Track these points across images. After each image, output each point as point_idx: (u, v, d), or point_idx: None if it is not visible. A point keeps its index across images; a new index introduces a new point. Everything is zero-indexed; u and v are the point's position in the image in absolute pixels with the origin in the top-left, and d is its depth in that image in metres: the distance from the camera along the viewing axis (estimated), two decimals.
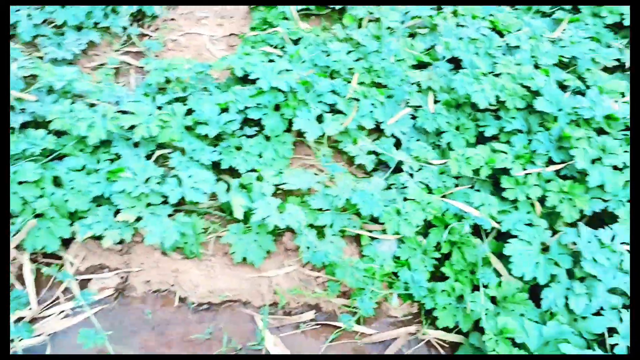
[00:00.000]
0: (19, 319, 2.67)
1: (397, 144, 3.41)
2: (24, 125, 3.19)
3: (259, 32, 4.02)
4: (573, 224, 2.89)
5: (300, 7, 4.14)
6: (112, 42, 4.35)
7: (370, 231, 2.97)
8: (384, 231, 2.92)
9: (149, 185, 2.88)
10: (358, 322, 2.76)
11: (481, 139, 3.36)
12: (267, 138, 3.30)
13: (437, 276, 2.88)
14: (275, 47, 3.88)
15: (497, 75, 3.51)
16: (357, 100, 3.42)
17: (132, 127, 3.10)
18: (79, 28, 4.23)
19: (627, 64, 3.81)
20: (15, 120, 3.13)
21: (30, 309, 2.72)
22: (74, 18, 4.12)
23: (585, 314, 2.50)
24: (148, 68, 3.63)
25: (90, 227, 2.82)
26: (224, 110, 3.29)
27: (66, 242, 2.95)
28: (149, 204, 2.89)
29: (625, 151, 2.99)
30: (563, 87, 3.54)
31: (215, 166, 3.20)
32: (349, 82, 3.52)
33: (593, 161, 2.95)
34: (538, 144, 3.10)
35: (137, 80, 4.07)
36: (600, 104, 3.14)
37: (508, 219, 2.89)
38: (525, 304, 2.63)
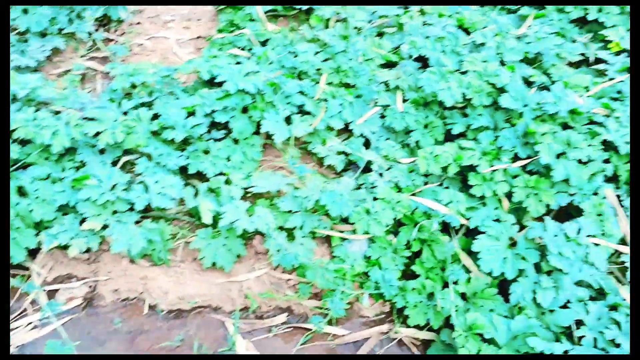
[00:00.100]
0: None
1: (367, 144, 3.41)
2: None
3: (226, 35, 3.99)
4: (540, 219, 2.92)
5: (267, 8, 4.13)
6: (78, 48, 4.28)
7: (341, 232, 2.97)
8: (354, 231, 2.92)
9: (115, 193, 2.84)
10: (330, 323, 2.75)
11: (449, 137, 3.38)
12: (235, 141, 3.27)
13: (408, 274, 2.89)
14: (243, 49, 3.86)
15: (463, 72, 3.54)
16: (326, 100, 3.41)
17: (97, 134, 3.05)
18: (43, 34, 4.15)
19: (592, 59, 3.86)
20: None
21: None
22: (37, 24, 4.05)
23: (553, 307, 2.52)
24: (114, 73, 3.57)
25: (56, 237, 2.78)
26: (191, 114, 3.26)
27: (32, 253, 2.90)
28: (115, 212, 2.85)
29: (590, 145, 3.03)
30: (529, 83, 3.57)
31: (183, 171, 3.17)
32: (317, 82, 3.51)
33: (558, 156, 2.99)
34: (504, 140, 3.13)
35: (104, 86, 4.01)
36: (564, 98, 3.18)
37: (476, 215, 2.91)
38: (494, 300, 2.65)
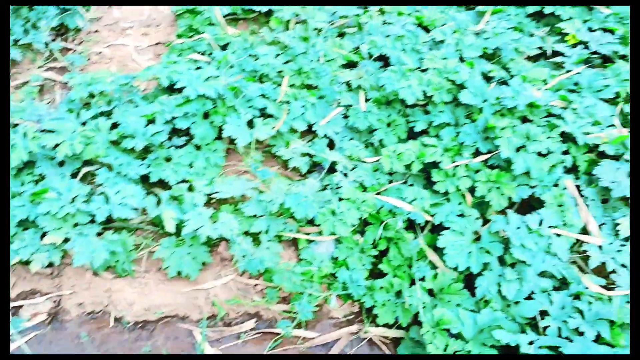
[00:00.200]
0: None
1: (331, 144, 3.41)
2: None
3: (185, 40, 3.95)
4: (503, 212, 2.95)
5: (226, 11, 4.09)
6: (35, 59, 4.19)
7: (307, 234, 2.96)
8: (320, 233, 2.91)
9: (75, 205, 2.79)
10: (300, 326, 2.74)
11: (412, 134, 3.39)
12: (198, 147, 3.24)
13: (375, 273, 2.89)
14: (203, 54, 3.83)
15: (424, 70, 3.56)
16: (288, 102, 3.40)
17: (56, 146, 2.98)
18: None
19: (549, 52, 3.92)
20: None
21: None
22: None
23: (518, 299, 2.55)
24: (72, 83, 3.51)
25: (17, 252, 2.73)
26: (151, 121, 3.22)
27: None
28: (76, 224, 2.80)
29: (549, 137, 3.07)
30: (488, 78, 3.62)
31: (145, 180, 3.13)
32: (279, 85, 3.50)
33: (518, 149, 3.02)
34: (465, 136, 3.16)
35: (62, 96, 3.94)
36: (522, 92, 3.22)
37: (441, 211, 2.93)
38: (461, 294, 2.67)
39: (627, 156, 3.00)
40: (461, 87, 3.37)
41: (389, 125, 3.41)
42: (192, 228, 2.76)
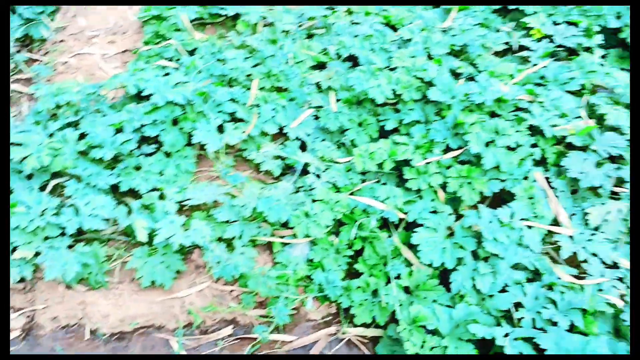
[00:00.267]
0: None
1: (303, 146, 3.40)
2: None
3: (152, 46, 3.90)
4: (475, 207, 2.97)
5: (193, 16, 4.06)
6: None
7: (282, 237, 2.95)
8: (294, 235, 2.90)
9: (45, 218, 2.74)
10: (277, 330, 2.73)
11: (383, 133, 3.40)
12: (168, 154, 3.21)
13: (351, 273, 2.90)
14: (170, 60, 3.79)
15: (393, 69, 3.57)
16: (258, 106, 3.39)
17: (23, 159, 2.93)
18: None
19: (515, 46, 3.97)
20: None
21: None
22: None
23: (492, 292, 2.57)
24: (38, 95, 3.44)
25: None
26: (119, 130, 3.18)
27: None
28: (46, 238, 2.75)
29: (517, 131, 3.11)
30: (457, 74, 3.64)
31: (115, 190, 3.09)
32: (248, 89, 3.48)
33: (487, 144, 3.05)
34: (435, 133, 3.18)
35: (29, 108, 3.87)
36: (489, 88, 3.25)
37: (414, 208, 2.94)
38: (436, 290, 2.68)
39: (594, 146, 3.05)
40: (430, 84, 3.39)
41: (360, 125, 3.42)
42: (164, 236, 2.73)
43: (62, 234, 2.78)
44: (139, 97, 3.37)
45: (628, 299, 2.55)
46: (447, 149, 3.15)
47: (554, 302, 2.48)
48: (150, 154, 3.21)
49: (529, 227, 2.78)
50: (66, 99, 3.35)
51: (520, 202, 2.88)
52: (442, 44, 3.81)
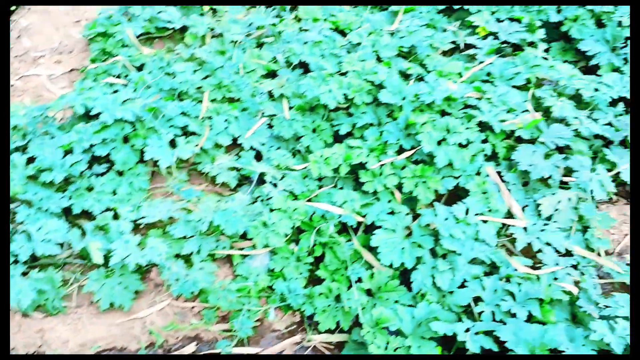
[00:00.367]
0: None
1: (258, 156, 3.38)
2: None
3: (99, 64, 3.83)
4: (431, 205, 3.01)
5: (139, 32, 4.00)
6: None
7: (241, 249, 2.92)
8: (254, 246, 2.88)
9: None
10: (242, 343, 2.70)
11: (338, 138, 3.41)
12: (120, 173, 3.15)
13: (314, 280, 2.89)
14: (119, 77, 3.72)
15: (343, 74, 3.60)
16: (210, 118, 3.36)
17: None
18: None
19: (462, 45, 4.04)
20: None
21: None
22: None
23: (452, 289, 2.60)
24: None
25: None
26: (68, 152, 3.11)
27: None
28: None
29: (467, 128, 3.16)
30: (407, 75, 3.68)
31: (68, 212, 3.01)
32: (200, 101, 3.45)
33: (439, 142, 3.09)
34: (388, 135, 3.21)
35: None
36: (438, 87, 3.30)
37: (371, 211, 2.96)
38: (398, 291, 2.70)
39: (542, 138, 3.13)
40: (380, 87, 3.42)
41: (314, 130, 3.42)
42: (119, 257, 2.67)
43: (15, 262, 2.70)
44: (88, 117, 3.30)
45: (583, 285, 2.62)
46: (401, 150, 3.18)
47: (511, 294, 2.53)
48: (102, 174, 3.14)
49: (484, 221, 2.84)
50: (13, 122, 3.26)
51: (474, 197, 2.93)
52: (390, 46, 3.85)
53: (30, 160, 3.11)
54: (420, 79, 3.63)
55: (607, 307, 2.50)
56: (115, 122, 3.14)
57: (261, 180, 3.20)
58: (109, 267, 2.77)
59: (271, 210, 2.97)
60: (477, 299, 2.57)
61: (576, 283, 2.65)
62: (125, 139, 3.19)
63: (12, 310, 2.74)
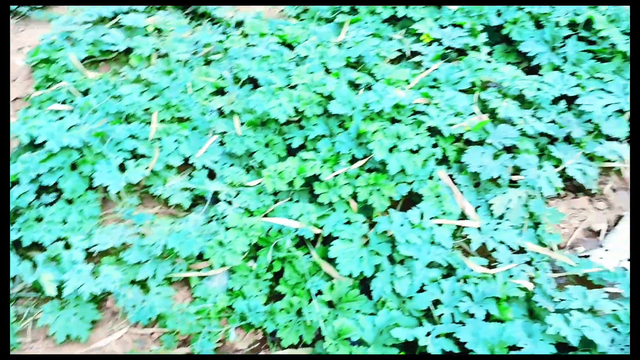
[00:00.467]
0: None
1: (211, 174, 3.35)
2: None
3: (43, 91, 3.74)
4: (387, 212, 3.03)
5: (83, 56, 3.93)
6: None
7: (199, 270, 2.88)
8: (211, 267, 2.84)
9: None
10: None
11: (291, 151, 3.41)
12: (69, 201, 3.07)
13: (275, 296, 2.87)
14: (64, 103, 3.64)
15: (293, 87, 3.61)
16: (160, 139, 3.31)
17: None
18: None
19: (408, 53, 4.11)
20: None
21: None
22: None
23: (411, 294, 2.62)
24: None
25: None
26: (15, 183, 3.01)
27: None
28: None
29: (417, 134, 3.21)
30: (356, 85, 3.72)
31: (17, 245, 2.91)
32: (148, 123, 3.40)
33: (391, 150, 3.12)
34: (341, 145, 3.22)
35: None
36: (386, 95, 3.34)
37: (328, 222, 2.96)
38: (359, 300, 2.70)
39: (489, 140, 3.20)
40: (330, 98, 3.44)
41: (266, 145, 3.42)
42: (73, 287, 2.60)
43: None
44: (34, 146, 3.20)
45: (537, 280, 2.67)
46: (354, 160, 3.20)
47: (469, 295, 2.56)
48: (51, 203, 3.06)
49: (439, 224, 2.87)
50: None
51: (428, 201, 2.97)
52: (338, 57, 3.89)
53: None
54: (369, 88, 3.66)
55: (562, 300, 2.55)
56: (61, 149, 3.07)
57: (215, 199, 3.17)
58: (63, 299, 2.69)
59: (227, 228, 2.95)
60: (436, 302, 2.59)
61: (531, 279, 2.71)
62: (73, 166, 3.12)
63: None
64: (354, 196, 3.06)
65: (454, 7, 4.26)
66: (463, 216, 3.00)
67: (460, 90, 3.58)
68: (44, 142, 3.08)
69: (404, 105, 3.32)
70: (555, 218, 3.03)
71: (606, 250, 3.01)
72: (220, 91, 3.81)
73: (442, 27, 4.19)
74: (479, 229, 2.92)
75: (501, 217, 2.99)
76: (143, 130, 3.31)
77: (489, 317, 2.48)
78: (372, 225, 2.99)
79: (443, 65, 3.78)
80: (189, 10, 4.70)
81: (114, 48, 4.00)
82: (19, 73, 4.31)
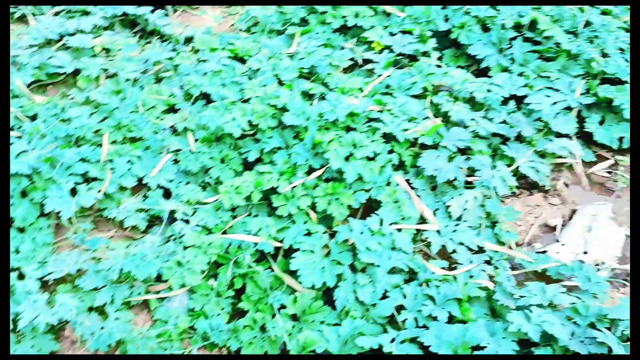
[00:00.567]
0: None
1: (167, 194, 3.29)
2: None
3: None
4: (346, 221, 3.03)
5: (29, 80, 3.82)
6: None
7: (158, 292, 2.82)
8: (170, 288, 2.78)
9: None
10: None
11: (248, 165, 3.38)
12: (21, 230, 2.97)
13: (238, 313, 2.83)
14: (12, 129, 3.53)
15: (246, 100, 3.58)
16: (111, 161, 3.24)
17: None
18: None
19: (360, 61, 4.14)
20: None
21: None
22: None
23: (374, 301, 2.61)
24: None
25: None
26: None
27: None
28: None
29: (373, 141, 3.22)
30: (310, 96, 3.72)
31: None
32: (99, 145, 3.32)
33: (347, 158, 3.13)
34: (297, 156, 3.21)
35: None
36: (340, 104, 3.35)
37: (288, 234, 2.94)
38: (322, 311, 2.68)
39: (444, 143, 3.24)
40: (284, 110, 3.42)
41: (222, 161, 3.38)
42: (28, 319, 2.51)
43: None
44: None
45: (497, 279, 2.71)
46: (310, 170, 3.19)
47: (431, 298, 2.57)
48: None
49: (399, 230, 2.88)
50: None
51: (387, 207, 2.97)
52: (290, 68, 3.89)
53: None
54: (322, 97, 3.67)
55: (522, 297, 2.59)
56: (10, 177, 2.97)
57: (172, 219, 3.11)
58: (18, 331, 2.59)
59: (185, 247, 2.90)
60: (400, 308, 2.59)
61: (491, 278, 2.74)
62: (24, 194, 3.02)
63: None
64: (313, 207, 3.05)
65: (402, 15, 4.31)
66: (422, 220, 3.02)
67: (413, 96, 3.62)
68: None
69: (358, 113, 3.34)
70: (511, 216, 3.08)
71: (562, 244, 3.07)
72: (172, 109, 3.76)
73: (392, 34, 4.24)
74: (438, 231, 2.95)
75: (459, 218, 3.03)
76: (94, 152, 3.23)
77: (452, 319, 2.50)
78: (332, 235, 2.98)
79: (395, 72, 3.81)
80: (137, 29, 4.63)
81: (61, 70, 3.90)
82: None
